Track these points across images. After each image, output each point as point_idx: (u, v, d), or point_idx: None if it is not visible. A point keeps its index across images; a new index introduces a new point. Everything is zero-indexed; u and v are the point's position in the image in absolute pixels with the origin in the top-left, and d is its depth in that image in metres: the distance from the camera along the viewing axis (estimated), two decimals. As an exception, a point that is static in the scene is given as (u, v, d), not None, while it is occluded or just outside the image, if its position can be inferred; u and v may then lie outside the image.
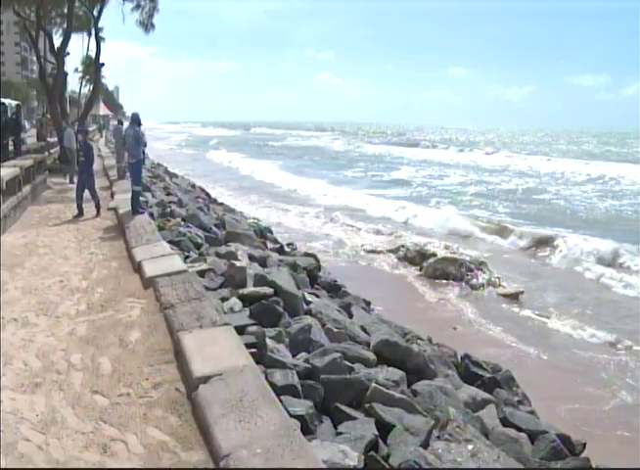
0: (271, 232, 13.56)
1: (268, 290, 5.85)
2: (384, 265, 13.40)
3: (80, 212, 10.38)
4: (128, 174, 11.68)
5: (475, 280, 11.83)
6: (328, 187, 28.17)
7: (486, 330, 9.36)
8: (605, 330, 9.35)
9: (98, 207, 10.54)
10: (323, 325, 5.59)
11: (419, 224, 19.23)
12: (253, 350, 4.31)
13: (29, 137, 24.27)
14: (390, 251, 14.42)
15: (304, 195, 26.42)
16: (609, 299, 11.60)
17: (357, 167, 42.39)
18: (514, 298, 11.03)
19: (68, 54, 26.26)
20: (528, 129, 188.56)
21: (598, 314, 10.36)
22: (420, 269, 12.67)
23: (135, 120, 9.69)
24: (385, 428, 3.74)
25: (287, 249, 11.33)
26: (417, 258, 13.33)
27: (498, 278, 12.00)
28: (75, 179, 12.07)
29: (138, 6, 19.19)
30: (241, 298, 5.68)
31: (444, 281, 11.99)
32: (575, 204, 26.81)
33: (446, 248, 13.68)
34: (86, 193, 10.52)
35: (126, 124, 11.21)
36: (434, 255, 12.95)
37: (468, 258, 12.63)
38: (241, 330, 4.67)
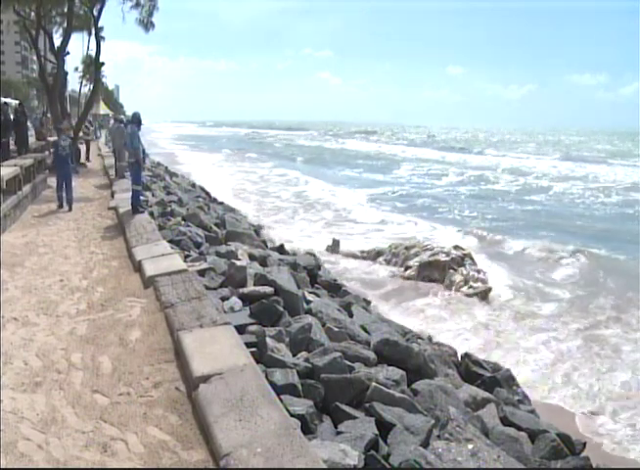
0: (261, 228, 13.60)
1: (268, 289, 5.85)
2: (361, 269, 13.40)
3: (60, 205, 10.97)
4: (128, 173, 11.69)
5: (453, 278, 11.88)
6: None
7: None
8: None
9: (69, 202, 10.97)
10: (323, 324, 5.59)
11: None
12: (254, 349, 4.31)
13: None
14: (368, 253, 14.30)
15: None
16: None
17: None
18: (483, 296, 11.07)
19: (69, 53, 26.22)
20: (502, 128, 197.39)
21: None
22: (405, 270, 12.70)
23: (136, 120, 9.69)
24: (385, 427, 3.74)
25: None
26: (400, 260, 13.35)
27: (478, 271, 12.01)
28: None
29: (137, 4, 19.13)
30: (241, 297, 5.69)
31: (428, 283, 12.04)
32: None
33: (430, 249, 13.52)
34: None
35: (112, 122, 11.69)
36: (416, 255, 12.92)
37: (449, 258, 12.56)
38: (241, 329, 4.67)
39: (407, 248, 13.81)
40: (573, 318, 10.06)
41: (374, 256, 14.07)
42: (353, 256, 14.18)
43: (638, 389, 7.10)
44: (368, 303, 8.77)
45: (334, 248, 14.51)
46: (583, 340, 8.94)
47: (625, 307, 10.59)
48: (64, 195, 10.98)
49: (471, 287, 11.44)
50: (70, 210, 10.82)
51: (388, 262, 13.53)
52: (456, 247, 13.46)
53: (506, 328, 9.58)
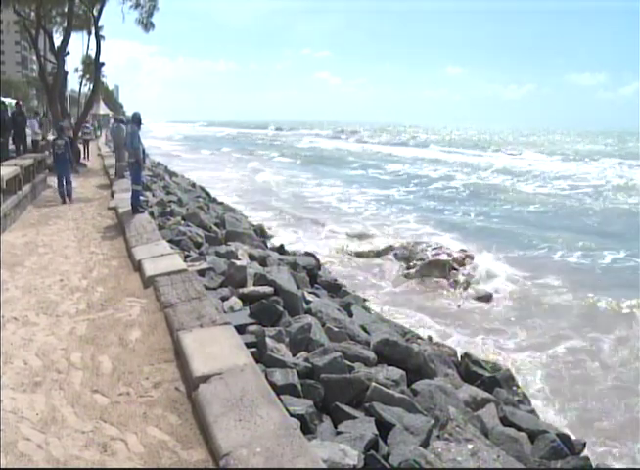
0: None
1: (268, 289, 5.85)
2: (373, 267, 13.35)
3: (63, 201, 11.94)
4: (128, 173, 11.70)
5: (457, 277, 11.87)
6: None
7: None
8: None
9: (69, 195, 12.09)
10: (323, 324, 5.59)
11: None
12: (253, 349, 4.31)
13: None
14: (378, 253, 14.34)
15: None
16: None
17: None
18: (485, 299, 11.05)
19: (69, 53, 26.21)
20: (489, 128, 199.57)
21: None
22: (408, 269, 12.72)
23: (136, 120, 9.69)
24: (385, 427, 3.75)
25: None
26: (407, 252, 13.47)
27: (481, 275, 12.01)
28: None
29: (137, 4, 19.12)
30: (241, 297, 5.69)
31: (433, 281, 12.01)
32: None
33: (434, 249, 13.50)
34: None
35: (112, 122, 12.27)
36: (421, 259, 12.94)
37: (451, 257, 12.57)
38: (241, 329, 4.68)
39: (416, 244, 13.92)
40: (564, 336, 9.87)
41: (386, 250, 14.13)
42: (360, 255, 14.22)
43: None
44: (363, 300, 8.80)
45: (341, 247, 14.61)
46: (554, 364, 8.68)
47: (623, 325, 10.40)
48: (64, 191, 11.96)
49: (473, 289, 11.45)
50: (71, 201, 11.90)
51: (396, 257, 13.62)
52: (462, 250, 13.53)
53: (499, 334, 9.54)
